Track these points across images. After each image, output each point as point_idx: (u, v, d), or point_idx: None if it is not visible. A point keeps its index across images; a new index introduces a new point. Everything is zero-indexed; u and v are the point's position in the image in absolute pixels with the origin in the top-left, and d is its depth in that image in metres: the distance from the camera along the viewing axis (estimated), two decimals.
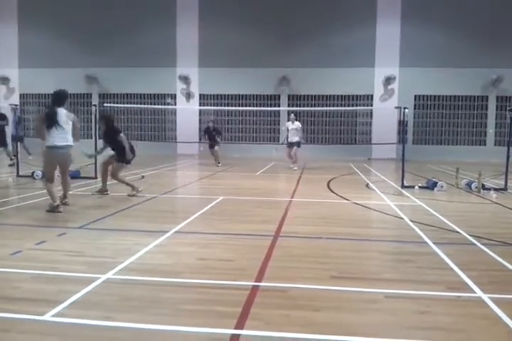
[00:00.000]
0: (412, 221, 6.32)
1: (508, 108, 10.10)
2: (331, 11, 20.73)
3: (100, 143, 8.95)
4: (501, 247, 4.99)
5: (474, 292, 3.56)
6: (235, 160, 18.07)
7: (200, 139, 16.01)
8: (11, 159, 14.26)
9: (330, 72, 20.83)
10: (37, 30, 22.17)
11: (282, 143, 14.82)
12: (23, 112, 15.52)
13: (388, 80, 20.77)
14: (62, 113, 6.75)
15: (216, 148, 15.56)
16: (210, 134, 15.71)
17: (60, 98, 6.84)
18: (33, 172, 10.70)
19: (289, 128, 14.43)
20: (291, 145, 14.40)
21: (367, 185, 10.59)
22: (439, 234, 5.55)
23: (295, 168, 14.22)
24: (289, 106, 21.45)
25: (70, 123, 6.84)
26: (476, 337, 2.83)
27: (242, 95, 21.67)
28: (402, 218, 6.60)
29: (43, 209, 6.99)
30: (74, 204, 7.38)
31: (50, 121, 6.64)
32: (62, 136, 6.71)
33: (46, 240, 4.97)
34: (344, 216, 6.80)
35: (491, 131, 20.79)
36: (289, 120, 14.65)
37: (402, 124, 11.51)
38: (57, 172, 7.38)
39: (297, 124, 14.41)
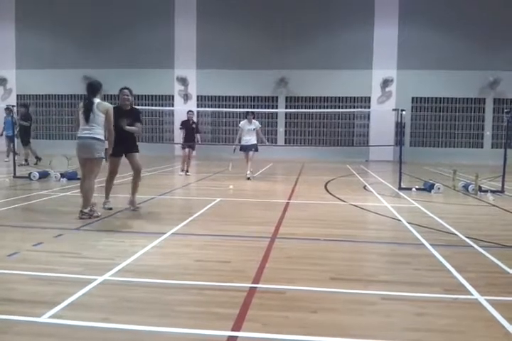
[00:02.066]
0: (409, 223, 6.33)
1: (505, 110, 10.13)
2: (329, 13, 20.77)
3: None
4: (498, 249, 5.00)
5: (471, 294, 3.57)
6: (233, 161, 18.05)
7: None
8: (25, 160, 14.35)
9: (328, 74, 20.87)
10: (34, 31, 22.16)
11: (235, 149, 12.22)
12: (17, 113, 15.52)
13: (386, 82, 20.82)
14: (95, 103, 6.31)
15: (188, 151, 12.76)
16: (189, 129, 12.71)
17: (91, 88, 6.45)
18: (29, 174, 10.68)
19: (245, 129, 11.93)
20: (246, 148, 12.03)
21: (364, 187, 10.60)
22: (436, 236, 5.56)
23: (249, 176, 11.82)
24: (286, 107, 21.48)
25: (101, 114, 6.27)
26: (472, 340, 2.83)
27: (240, 97, 21.68)
28: (399, 220, 6.60)
29: (39, 211, 7.00)
30: (70, 205, 7.37)
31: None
32: (85, 127, 6.26)
33: (43, 241, 4.96)
34: (341, 218, 6.80)
35: (488, 133, 20.85)
36: (248, 118, 12.07)
37: (399, 126, 11.53)
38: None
39: (256, 124, 12.09)
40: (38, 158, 14.69)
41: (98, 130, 6.28)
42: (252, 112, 12.47)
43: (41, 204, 7.51)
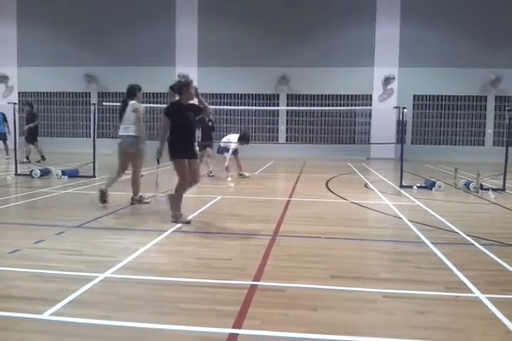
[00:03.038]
0: (410, 221, 6.33)
1: (506, 108, 10.11)
2: (331, 10, 20.71)
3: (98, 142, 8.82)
4: (499, 247, 5.00)
5: (472, 292, 3.57)
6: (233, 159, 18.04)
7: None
8: (27, 157, 14.38)
9: (329, 72, 20.83)
10: (36, 29, 22.13)
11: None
12: (21, 111, 15.60)
13: (387, 80, 20.76)
14: (129, 105, 7.13)
15: (209, 151, 11.86)
16: (206, 128, 11.67)
17: (128, 91, 7.26)
18: (31, 171, 10.68)
19: (233, 141, 11.52)
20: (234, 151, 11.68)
21: (365, 185, 10.60)
22: (437, 234, 5.56)
23: (248, 175, 11.82)
24: (288, 105, 21.44)
25: (133, 114, 7.04)
26: (473, 337, 2.83)
27: (241, 94, 21.66)
28: (400, 218, 6.60)
29: (41, 208, 7.01)
30: (72, 203, 7.39)
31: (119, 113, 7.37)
32: (123, 126, 7.14)
33: (44, 239, 4.97)
34: (342, 215, 6.80)
35: (489, 131, 20.81)
36: (241, 143, 11.51)
37: (401, 124, 11.51)
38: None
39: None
40: (43, 158, 14.70)
41: (132, 128, 7.03)
42: (249, 140, 11.56)
43: (43, 201, 7.52)
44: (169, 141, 6.06)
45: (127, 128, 7.05)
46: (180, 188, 6.10)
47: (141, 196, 7.36)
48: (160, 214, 6.61)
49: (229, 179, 11.19)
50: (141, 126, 7.07)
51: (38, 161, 14.36)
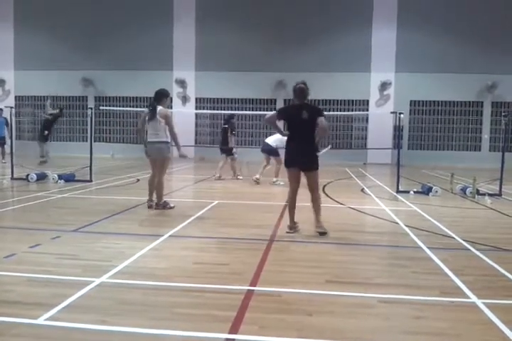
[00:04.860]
0: (406, 226, 6.33)
1: (502, 113, 10.14)
2: (328, 15, 20.80)
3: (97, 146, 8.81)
4: (496, 252, 5.00)
5: (468, 297, 3.57)
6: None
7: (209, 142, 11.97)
8: (42, 156, 14.34)
9: (326, 77, 20.87)
10: (33, 32, 22.14)
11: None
12: (18, 114, 15.58)
13: (384, 85, 20.84)
14: (157, 111, 7.16)
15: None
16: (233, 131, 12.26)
17: (156, 96, 7.25)
18: (27, 175, 10.65)
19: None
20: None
21: (362, 190, 10.61)
22: (434, 239, 5.57)
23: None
24: None
25: (161, 119, 7.11)
26: None
27: (239, 99, 21.69)
28: (397, 223, 6.61)
29: (37, 212, 6.98)
30: (68, 207, 7.37)
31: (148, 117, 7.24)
32: (152, 132, 7.18)
33: (40, 243, 4.95)
34: (339, 220, 6.80)
35: (485, 136, 20.88)
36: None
37: (397, 129, 11.54)
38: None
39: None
40: (44, 159, 14.68)
41: (162, 134, 7.14)
42: None
43: (39, 205, 7.50)
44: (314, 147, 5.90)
45: (156, 135, 7.13)
46: (290, 200, 6.03)
47: (165, 201, 7.35)
48: (156, 219, 6.59)
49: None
50: (174, 132, 7.18)
51: (40, 163, 14.34)
